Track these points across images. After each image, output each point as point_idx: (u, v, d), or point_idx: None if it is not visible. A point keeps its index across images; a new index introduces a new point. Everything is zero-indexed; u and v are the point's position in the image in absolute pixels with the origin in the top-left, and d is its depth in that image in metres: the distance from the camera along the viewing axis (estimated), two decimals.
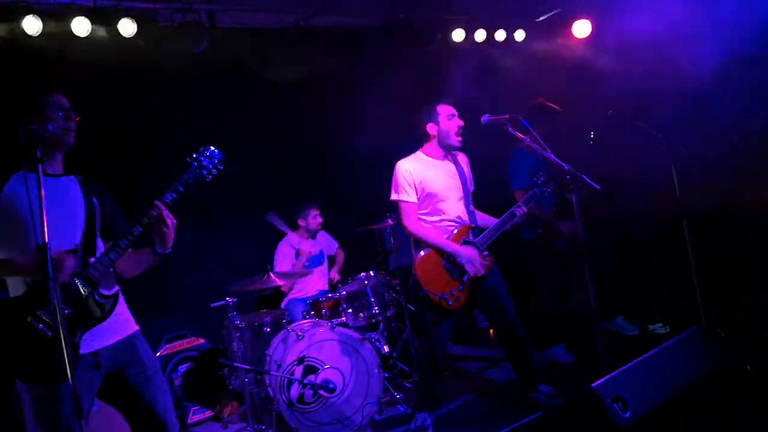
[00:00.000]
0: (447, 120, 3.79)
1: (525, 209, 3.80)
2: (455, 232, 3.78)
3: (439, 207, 3.79)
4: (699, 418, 2.83)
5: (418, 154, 3.92)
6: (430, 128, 3.84)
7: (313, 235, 5.33)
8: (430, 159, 3.88)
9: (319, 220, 5.29)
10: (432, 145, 3.89)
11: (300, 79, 5.36)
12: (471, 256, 3.67)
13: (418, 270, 3.71)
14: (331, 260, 5.56)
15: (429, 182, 3.78)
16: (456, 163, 3.95)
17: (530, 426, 3.67)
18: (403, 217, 3.80)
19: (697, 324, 3.63)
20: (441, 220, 3.80)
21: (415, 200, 3.78)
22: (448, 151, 3.91)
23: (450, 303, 3.67)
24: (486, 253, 3.78)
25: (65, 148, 2.58)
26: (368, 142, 5.15)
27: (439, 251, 3.71)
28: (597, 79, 5.38)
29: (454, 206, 3.82)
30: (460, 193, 3.87)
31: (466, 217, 3.86)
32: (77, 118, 2.57)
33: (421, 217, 3.82)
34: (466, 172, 3.99)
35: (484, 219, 4.02)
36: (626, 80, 5.09)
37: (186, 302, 5.00)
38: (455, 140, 3.80)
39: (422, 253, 3.74)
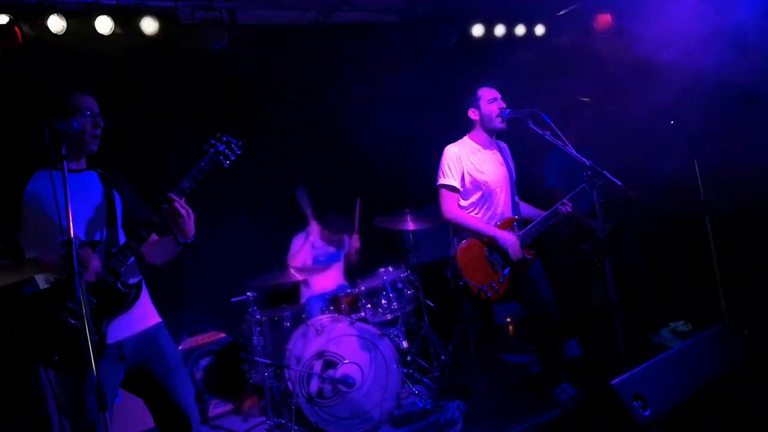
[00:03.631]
0: (488, 104, 3.75)
1: (570, 207, 3.72)
2: (499, 224, 3.74)
3: (487, 197, 3.75)
4: (720, 417, 2.79)
5: (466, 140, 3.87)
6: (472, 113, 3.81)
7: (328, 240, 5.33)
8: (477, 146, 3.83)
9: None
10: (477, 132, 3.84)
11: (319, 75, 5.39)
12: (512, 241, 3.62)
13: (459, 259, 3.68)
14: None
15: (477, 170, 3.73)
16: (501, 151, 3.91)
17: (550, 422, 3.67)
18: (442, 203, 3.76)
19: (719, 322, 3.58)
20: (487, 210, 3.76)
21: (458, 186, 3.73)
22: (492, 135, 3.85)
23: (489, 295, 3.65)
24: (528, 246, 3.74)
25: (89, 153, 2.62)
26: (387, 138, 5.15)
27: (479, 236, 3.67)
28: (619, 73, 5.31)
29: (501, 197, 3.78)
30: (507, 183, 3.82)
31: (511, 209, 3.82)
32: (104, 125, 2.58)
33: (465, 207, 3.77)
34: (510, 162, 3.94)
35: (527, 210, 3.96)
36: (649, 75, 5.02)
37: (206, 297, 5.05)
38: (497, 122, 3.73)
39: (464, 242, 3.71)
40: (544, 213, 3.78)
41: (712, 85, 4.43)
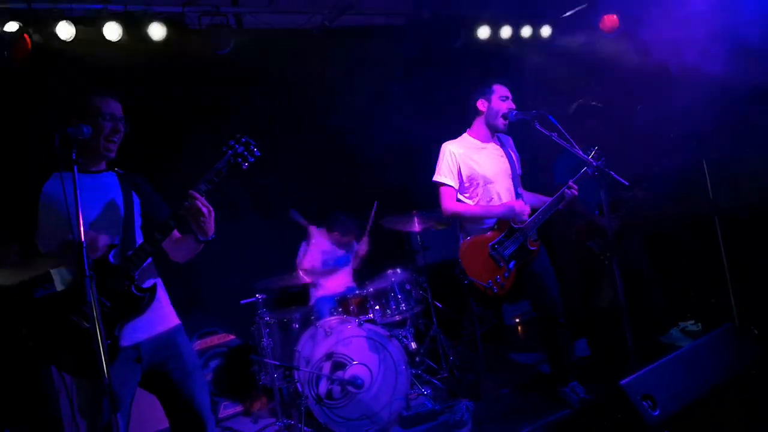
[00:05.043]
0: (499, 100, 3.76)
1: (576, 190, 3.66)
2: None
3: (487, 191, 3.76)
4: (730, 416, 2.78)
5: (465, 137, 3.89)
6: (480, 104, 3.81)
7: (338, 243, 5.33)
8: (476, 141, 3.84)
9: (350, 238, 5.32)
10: (479, 125, 3.85)
11: (325, 79, 5.41)
12: (514, 207, 3.62)
13: (462, 258, 3.70)
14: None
15: (475, 166, 3.75)
16: (503, 145, 3.91)
17: (559, 422, 3.67)
18: (441, 200, 3.79)
19: (729, 321, 3.57)
20: (488, 204, 3.77)
21: (455, 184, 3.76)
22: (493, 132, 3.86)
23: (496, 290, 3.66)
24: (534, 238, 3.73)
25: (107, 159, 2.62)
26: (394, 140, 5.16)
27: (481, 218, 3.70)
28: (625, 75, 5.30)
29: (502, 190, 3.78)
30: (508, 176, 3.83)
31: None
32: (126, 131, 2.58)
33: (465, 201, 3.79)
34: (513, 154, 3.94)
35: (534, 199, 3.96)
36: (657, 76, 5.01)
37: (216, 299, 5.08)
38: (501, 122, 3.75)
39: (467, 239, 3.73)
40: (550, 199, 3.76)
41: (720, 84, 4.41)
